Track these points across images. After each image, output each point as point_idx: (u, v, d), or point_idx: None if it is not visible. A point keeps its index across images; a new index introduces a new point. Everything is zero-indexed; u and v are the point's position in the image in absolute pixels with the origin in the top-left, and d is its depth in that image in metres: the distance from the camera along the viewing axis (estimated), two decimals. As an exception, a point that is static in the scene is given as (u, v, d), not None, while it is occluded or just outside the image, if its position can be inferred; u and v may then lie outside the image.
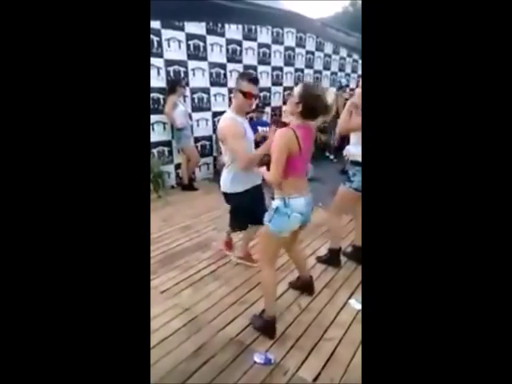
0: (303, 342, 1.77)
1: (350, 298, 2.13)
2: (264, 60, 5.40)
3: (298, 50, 6.04)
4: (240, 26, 4.86)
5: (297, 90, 1.53)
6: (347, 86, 5.91)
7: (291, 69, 6.03)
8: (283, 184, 1.60)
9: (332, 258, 2.52)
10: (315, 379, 1.55)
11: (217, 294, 2.18)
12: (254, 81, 1.95)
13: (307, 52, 6.29)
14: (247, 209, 2.12)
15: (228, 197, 2.17)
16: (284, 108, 5.69)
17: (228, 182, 2.08)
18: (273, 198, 1.68)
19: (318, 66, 6.71)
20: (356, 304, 2.05)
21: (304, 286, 2.17)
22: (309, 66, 6.44)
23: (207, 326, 1.88)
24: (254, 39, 5.14)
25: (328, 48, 6.84)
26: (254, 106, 2.05)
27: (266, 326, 1.81)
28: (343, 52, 7.33)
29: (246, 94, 1.92)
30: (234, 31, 4.78)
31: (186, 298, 2.14)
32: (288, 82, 6.00)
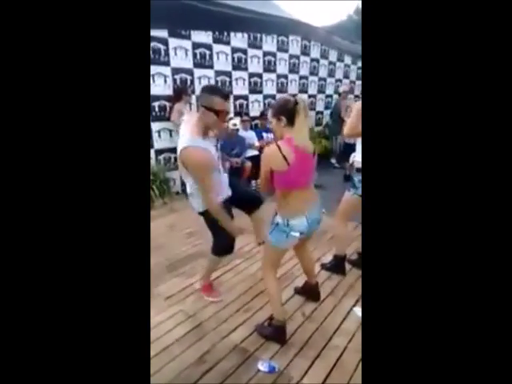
0: (307, 350, 1.76)
1: (354, 305, 2.12)
2: (269, 68, 5.45)
3: (302, 58, 6.09)
4: (245, 35, 4.92)
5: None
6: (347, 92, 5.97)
7: (296, 76, 6.07)
8: (283, 203, 1.62)
9: (337, 266, 2.51)
10: (319, 388, 1.54)
11: (221, 301, 2.18)
12: (227, 97, 1.67)
13: (312, 60, 6.34)
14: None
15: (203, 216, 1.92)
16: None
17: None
18: (276, 213, 1.66)
19: (323, 73, 6.76)
20: (361, 312, 2.04)
21: (310, 291, 2.18)
22: (313, 73, 6.49)
23: (211, 333, 1.88)
24: (259, 47, 5.20)
25: (332, 55, 6.89)
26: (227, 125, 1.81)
27: (275, 333, 1.81)
28: (348, 59, 7.37)
29: (219, 113, 1.62)
30: (239, 40, 4.84)
31: (190, 304, 2.15)
32: (293, 89, 6.04)
